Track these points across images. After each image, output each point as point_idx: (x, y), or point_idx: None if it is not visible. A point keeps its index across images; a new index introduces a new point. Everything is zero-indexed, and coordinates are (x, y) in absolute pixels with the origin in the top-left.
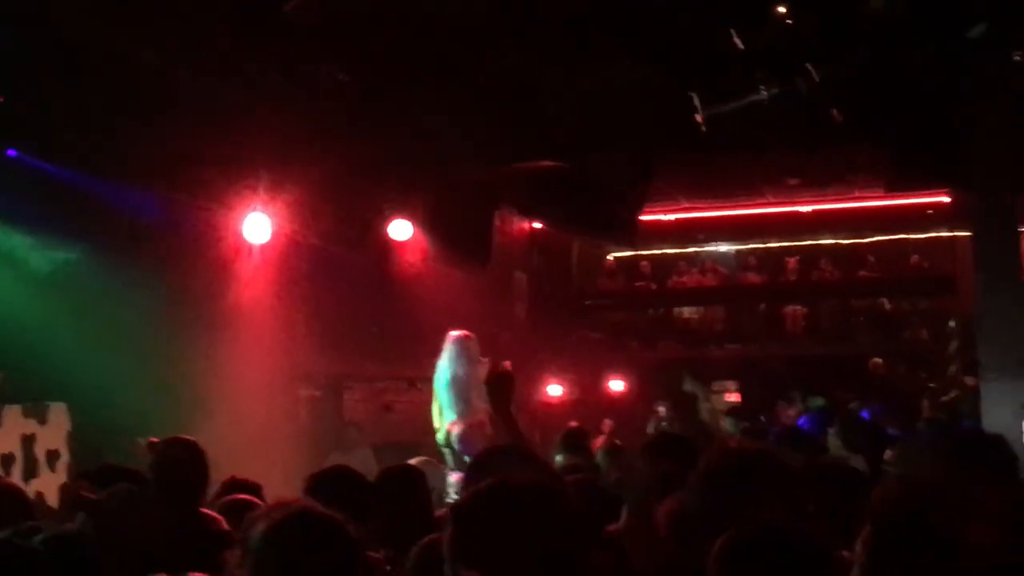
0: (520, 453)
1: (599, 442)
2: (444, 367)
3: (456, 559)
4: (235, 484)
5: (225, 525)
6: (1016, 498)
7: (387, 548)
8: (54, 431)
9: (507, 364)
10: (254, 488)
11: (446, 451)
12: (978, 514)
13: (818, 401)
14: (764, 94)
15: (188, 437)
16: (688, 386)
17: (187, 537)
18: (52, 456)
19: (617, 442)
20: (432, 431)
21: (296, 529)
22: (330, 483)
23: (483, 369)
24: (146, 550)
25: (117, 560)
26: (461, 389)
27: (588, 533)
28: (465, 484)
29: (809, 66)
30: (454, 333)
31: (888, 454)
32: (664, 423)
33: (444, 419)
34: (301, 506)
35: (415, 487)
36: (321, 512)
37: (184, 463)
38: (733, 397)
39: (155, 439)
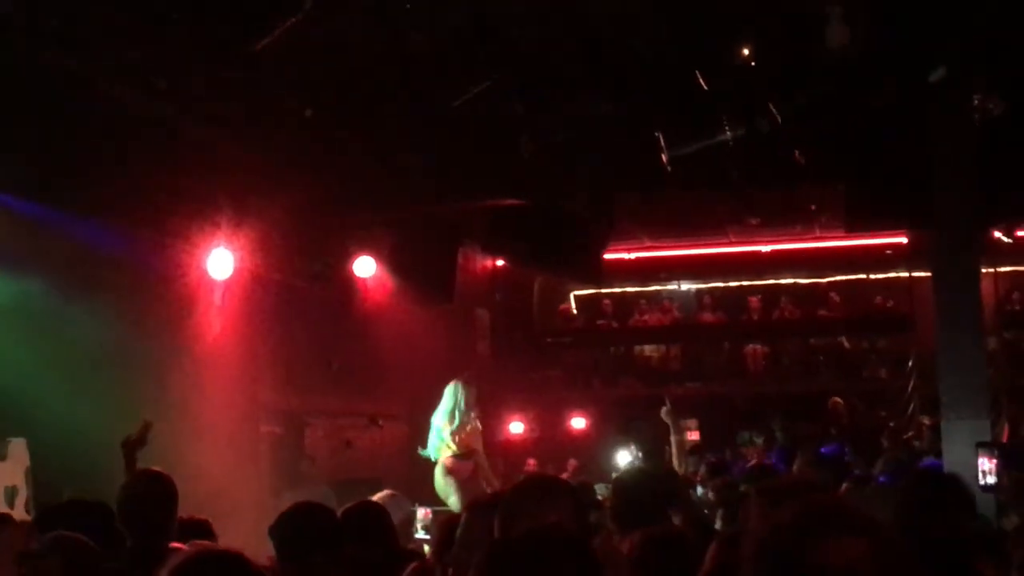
0: (553, 488)
1: None
2: (440, 406)
3: None
4: (183, 525)
5: None
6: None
7: None
8: (13, 467)
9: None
10: (202, 525)
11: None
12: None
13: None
14: (728, 135)
15: (158, 469)
16: (664, 416)
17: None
18: (11, 492)
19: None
20: (393, 467)
21: (196, 568)
22: (296, 519)
23: (473, 417)
24: None
25: None
26: (449, 431)
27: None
28: (500, 519)
29: (771, 106)
30: (459, 377)
31: (844, 487)
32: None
33: (433, 455)
34: (205, 546)
35: (377, 523)
36: (224, 551)
37: (151, 498)
38: (694, 435)
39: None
